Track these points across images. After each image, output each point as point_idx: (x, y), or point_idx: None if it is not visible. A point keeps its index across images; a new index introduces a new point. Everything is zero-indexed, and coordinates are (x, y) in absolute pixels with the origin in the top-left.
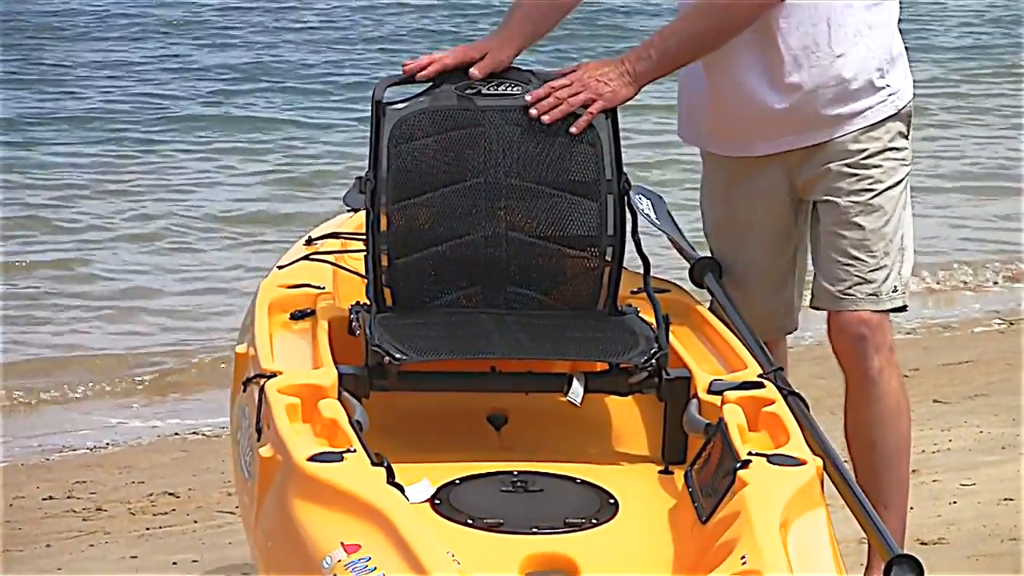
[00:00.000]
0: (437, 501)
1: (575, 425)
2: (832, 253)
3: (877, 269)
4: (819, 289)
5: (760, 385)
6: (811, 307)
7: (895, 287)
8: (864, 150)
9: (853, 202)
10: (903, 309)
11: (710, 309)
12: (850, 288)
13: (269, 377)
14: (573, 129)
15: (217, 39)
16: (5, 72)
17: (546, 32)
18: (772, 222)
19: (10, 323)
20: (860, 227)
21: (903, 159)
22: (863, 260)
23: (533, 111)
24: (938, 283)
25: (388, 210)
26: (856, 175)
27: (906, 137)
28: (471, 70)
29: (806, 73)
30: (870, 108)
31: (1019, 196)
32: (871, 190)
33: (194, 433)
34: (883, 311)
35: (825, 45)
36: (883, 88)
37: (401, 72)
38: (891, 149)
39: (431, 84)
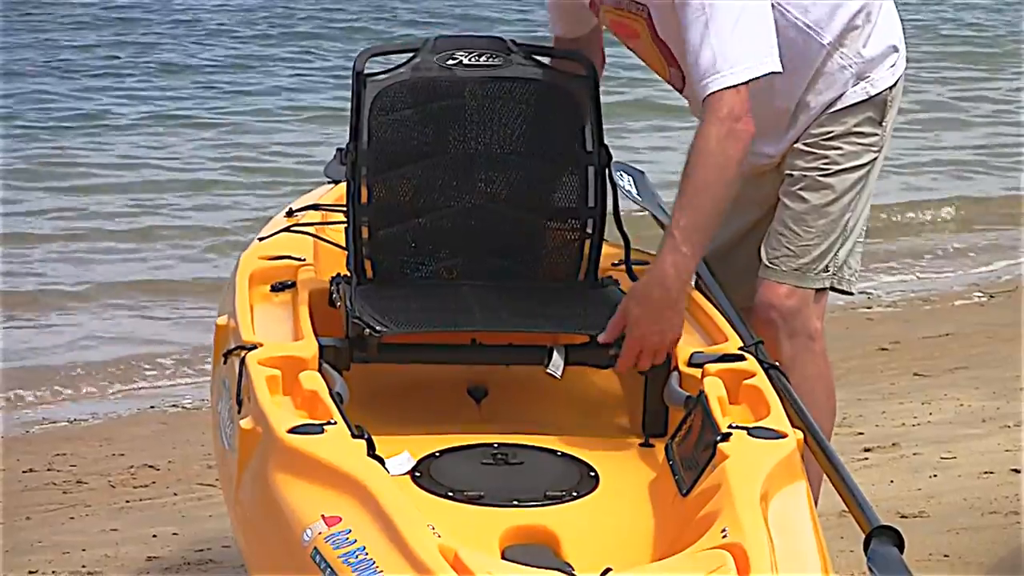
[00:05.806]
0: (417, 474)
1: (555, 398)
2: (774, 222)
3: (808, 245)
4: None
5: (741, 358)
6: None
7: (827, 267)
8: (827, 132)
9: (803, 175)
10: (841, 292)
11: None
12: (777, 258)
13: (250, 349)
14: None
15: None
16: None
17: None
18: (764, 196)
19: None
20: (803, 200)
21: (869, 144)
22: (796, 233)
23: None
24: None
25: (369, 182)
26: (814, 154)
27: (879, 123)
28: None
29: (785, 121)
30: (840, 95)
31: None
32: (824, 169)
33: (174, 406)
34: (805, 288)
35: (787, 91)
36: (858, 83)
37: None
38: (855, 133)
39: (412, 55)
